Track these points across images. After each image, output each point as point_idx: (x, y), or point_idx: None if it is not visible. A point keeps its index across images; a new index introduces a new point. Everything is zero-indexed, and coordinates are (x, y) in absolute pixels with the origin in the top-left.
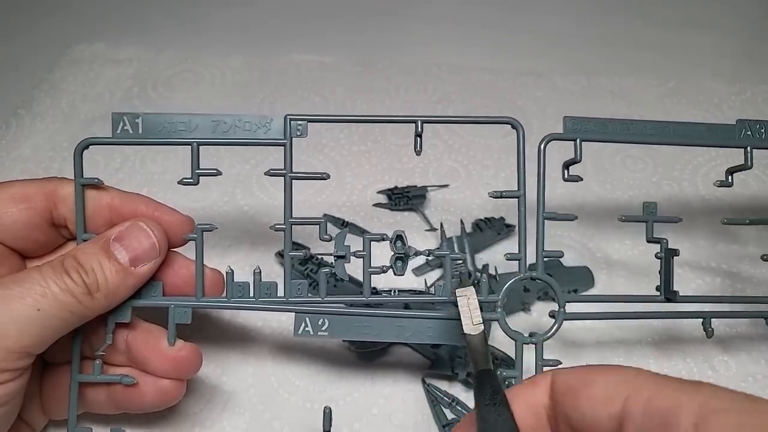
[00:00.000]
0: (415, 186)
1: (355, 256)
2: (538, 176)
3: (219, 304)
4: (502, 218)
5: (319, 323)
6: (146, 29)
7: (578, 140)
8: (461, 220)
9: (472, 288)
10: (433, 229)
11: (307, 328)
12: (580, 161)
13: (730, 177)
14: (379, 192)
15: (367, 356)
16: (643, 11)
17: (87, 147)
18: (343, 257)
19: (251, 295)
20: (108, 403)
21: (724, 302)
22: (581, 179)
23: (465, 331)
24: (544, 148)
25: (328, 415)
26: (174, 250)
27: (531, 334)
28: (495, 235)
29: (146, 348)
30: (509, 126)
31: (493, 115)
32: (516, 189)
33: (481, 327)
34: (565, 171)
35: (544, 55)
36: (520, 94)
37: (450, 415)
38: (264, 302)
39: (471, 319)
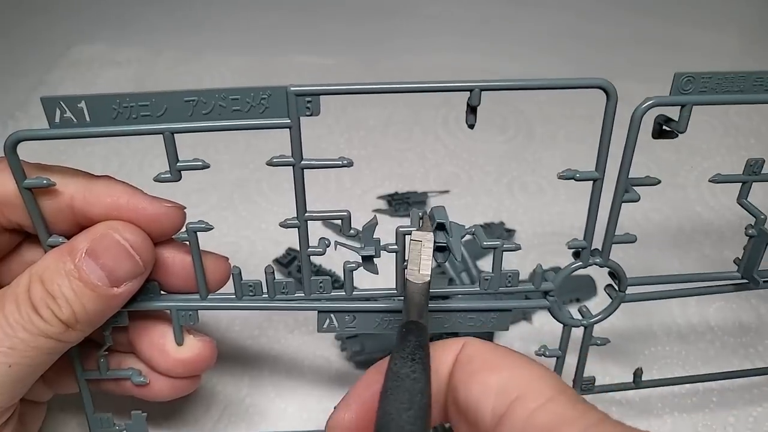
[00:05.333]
0: (416, 192)
1: (386, 250)
2: (624, 150)
3: (228, 305)
4: (501, 223)
5: (346, 319)
6: (146, 30)
7: (689, 105)
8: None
9: (431, 234)
10: None
11: (332, 324)
12: (685, 132)
13: None
14: (379, 197)
15: (365, 364)
16: (645, 13)
17: (18, 142)
18: (372, 257)
19: (264, 293)
20: (116, 390)
21: None
22: (677, 135)
23: (407, 277)
24: (642, 115)
25: None
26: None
27: (583, 315)
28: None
29: (151, 349)
30: (511, 130)
31: (496, 118)
32: (593, 170)
33: (427, 278)
34: (656, 127)
35: (546, 57)
36: (522, 96)
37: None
38: (281, 300)
39: (419, 267)
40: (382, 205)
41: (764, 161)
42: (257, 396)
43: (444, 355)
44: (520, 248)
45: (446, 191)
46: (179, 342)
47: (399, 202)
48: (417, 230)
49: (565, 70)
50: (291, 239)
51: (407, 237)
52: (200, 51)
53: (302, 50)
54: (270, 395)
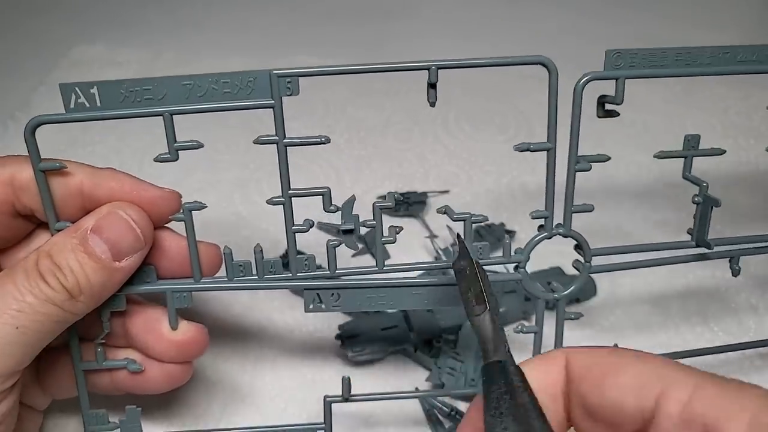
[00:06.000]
0: (416, 192)
1: (365, 226)
2: (571, 122)
3: (220, 286)
4: (502, 224)
5: (332, 297)
6: (146, 31)
7: (622, 78)
8: (449, 227)
9: (470, 258)
10: (433, 236)
11: (319, 304)
12: (621, 103)
13: None
14: (379, 197)
15: (365, 363)
16: (646, 13)
17: (38, 126)
18: (351, 231)
19: (254, 273)
20: (111, 386)
21: (756, 242)
22: (618, 114)
23: (470, 316)
24: (582, 88)
25: (347, 382)
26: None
27: (554, 289)
28: (495, 241)
29: (147, 333)
30: (512, 130)
31: (496, 117)
32: (545, 141)
33: (485, 306)
34: (600, 107)
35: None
36: (524, 96)
37: (447, 424)
38: (269, 280)
39: (475, 298)
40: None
41: (700, 137)
42: (257, 395)
43: (548, 374)
44: (487, 219)
45: (446, 191)
46: (174, 324)
47: (399, 202)
48: (456, 263)
49: (565, 70)
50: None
51: (377, 207)
52: (200, 52)
53: (301, 51)
54: (270, 394)
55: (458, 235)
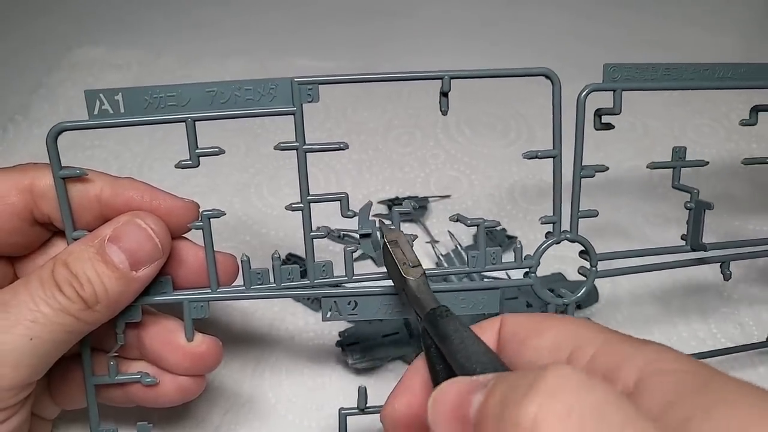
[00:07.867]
0: (417, 196)
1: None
2: (576, 131)
3: (238, 295)
4: (503, 230)
5: (348, 305)
6: (146, 33)
7: (619, 90)
8: (450, 233)
9: (400, 231)
10: (434, 241)
11: (335, 312)
12: (619, 113)
13: (755, 115)
14: (379, 202)
15: (365, 370)
16: (646, 14)
17: (61, 132)
18: (368, 236)
19: (272, 281)
20: (123, 399)
21: (747, 246)
22: (613, 127)
23: (405, 276)
24: (585, 99)
25: (363, 392)
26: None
27: (561, 295)
28: (496, 247)
29: (162, 345)
30: (513, 134)
31: (497, 122)
32: (551, 148)
33: (421, 268)
34: (597, 119)
35: (546, 59)
36: (525, 100)
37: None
38: (287, 288)
39: (408, 261)
40: (383, 209)
41: (686, 149)
42: (257, 401)
43: (483, 337)
44: (499, 224)
45: (447, 196)
46: (190, 335)
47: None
48: (386, 235)
49: (565, 71)
50: (291, 244)
51: (396, 212)
52: (200, 54)
53: (301, 53)
54: (271, 401)
55: (380, 220)
